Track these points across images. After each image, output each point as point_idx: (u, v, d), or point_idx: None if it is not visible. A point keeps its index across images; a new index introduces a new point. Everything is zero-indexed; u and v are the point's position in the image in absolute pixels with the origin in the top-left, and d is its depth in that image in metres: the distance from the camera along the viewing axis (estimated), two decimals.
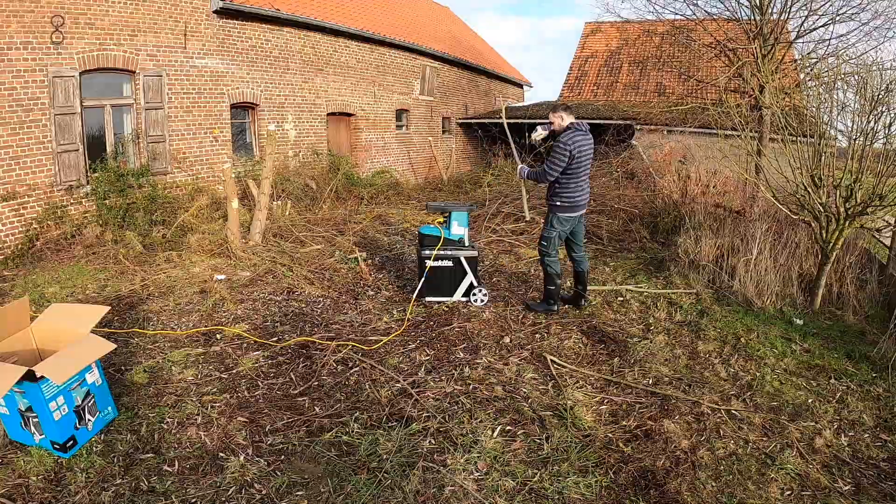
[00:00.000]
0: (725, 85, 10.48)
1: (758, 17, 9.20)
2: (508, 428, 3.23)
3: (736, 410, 3.44)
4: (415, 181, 15.02)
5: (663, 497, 2.68)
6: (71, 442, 2.91)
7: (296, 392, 3.66)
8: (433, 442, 3.08)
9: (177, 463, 2.88)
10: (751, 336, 4.54)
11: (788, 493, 2.73)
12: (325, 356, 4.15)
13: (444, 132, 17.30)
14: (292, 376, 3.87)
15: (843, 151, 4.98)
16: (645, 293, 5.58)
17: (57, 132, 7.20)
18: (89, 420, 3.05)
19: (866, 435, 3.23)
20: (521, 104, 21.41)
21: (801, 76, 9.34)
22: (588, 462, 2.93)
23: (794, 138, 5.19)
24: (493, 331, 4.66)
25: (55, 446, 2.88)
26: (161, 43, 8.47)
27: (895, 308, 4.67)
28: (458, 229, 5.16)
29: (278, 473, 2.81)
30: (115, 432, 3.13)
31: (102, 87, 7.89)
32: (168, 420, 3.27)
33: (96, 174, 7.63)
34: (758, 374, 3.93)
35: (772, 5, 9.18)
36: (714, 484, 2.77)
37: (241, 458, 2.92)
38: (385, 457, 2.93)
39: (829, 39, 9.41)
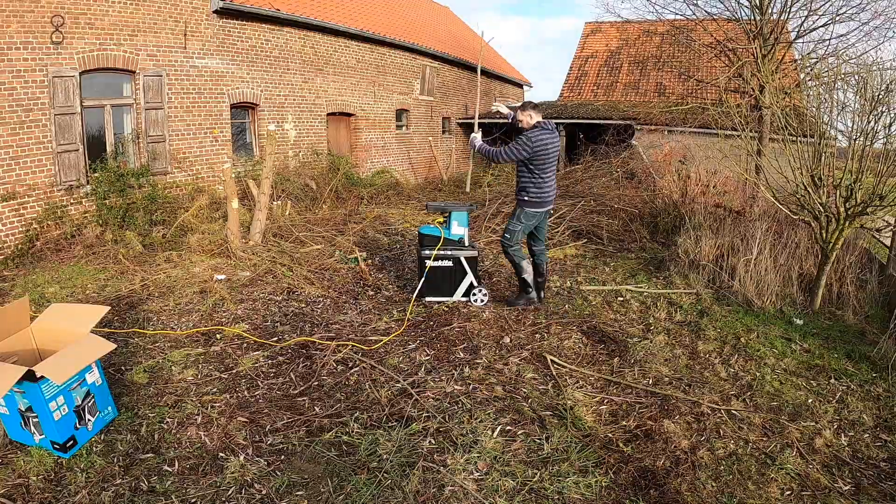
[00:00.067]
0: (725, 85, 10.49)
1: (758, 17, 9.21)
2: (508, 428, 3.23)
3: (736, 410, 3.44)
4: (415, 181, 15.02)
5: (663, 497, 2.67)
6: (71, 442, 2.91)
7: (296, 392, 3.66)
8: (433, 442, 3.08)
9: (177, 463, 2.88)
10: (751, 336, 4.54)
11: (788, 493, 2.73)
12: (325, 356, 4.15)
13: (444, 132, 17.30)
14: (292, 376, 3.87)
15: (843, 151, 4.98)
16: (645, 293, 5.58)
17: (57, 132, 7.20)
18: (89, 420, 3.05)
19: (866, 435, 3.23)
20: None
21: (801, 76, 9.34)
22: (588, 462, 2.93)
23: (794, 138, 5.19)
24: (493, 331, 4.65)
25: (55, 446, 2.88)
26: (161, 43, 8.47)
27: (895, 308, 4.67)
28: (458, 229, 5.16)
29: (278, 473, 2.81)
30: (115, 432, 3.12)
31: (102, 87, 7.89)
32: (168, 420, 3.27)
33: (96, 174, 7.63)
34: (758, 374, 3.93)
35: (772, 5, 9.20)
36: (714, 484, 2.77)
37: (241, 458, 2.92)
38: (385, 457, 2.93)
39: (829, 39, 9.44)
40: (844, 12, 8.99)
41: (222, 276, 5.90)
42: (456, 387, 3.71)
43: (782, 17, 9.39)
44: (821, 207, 4.92)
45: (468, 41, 20.80)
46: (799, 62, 10.18)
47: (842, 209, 4.76)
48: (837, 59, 8.59)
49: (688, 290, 5.56)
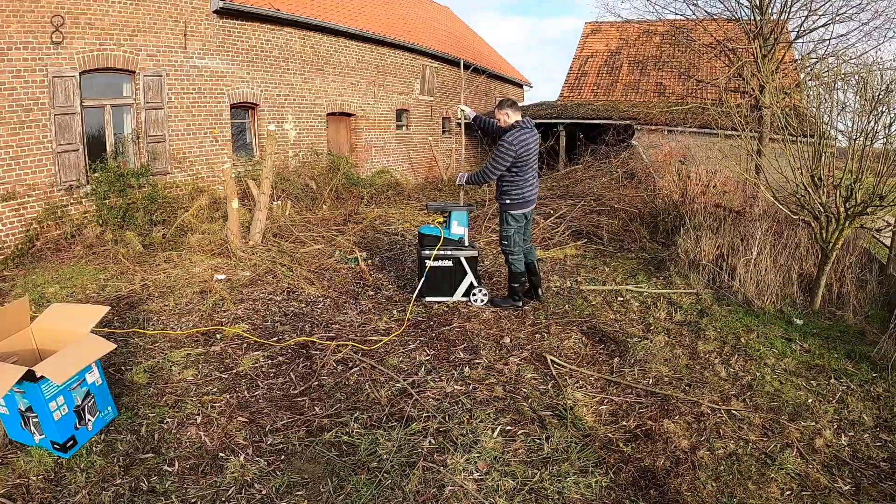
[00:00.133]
0: (725, 85, 10.49)
1: (758, 17, 9.21)
2: (508, 428, 3.23)
3: (736, 410, 3.44)
4: (415, 181, 15.02)
5: (663, 497, 2.67)
6: (71, 442, 2.91)
7: (296, 392, 3.66)
8: (433, 442, 3.08)
9: (177, 463, 2.88)
10: (751, 336, 4.54)
11: (788, 493, 2.73)
12: (325, 356, 4.15)
13: (444, 132, 17.30)
14: (292, 376, 3.87)
15: (843, 151, 4.98)
16: (645, 293, 5.58)
17: (57, 132, 7.20)
18: (89, 420, 3.05)
19: (866, 435, 3.23)
20: (521, 104, 21.41)
21: (801, 76, 9.34)
22: (588, 462, 2.93)
23: (794, 138, 5.19)
24: (493, 331, 4.65)
25: (55, 446, 2.88)
26: (161, 43, 8.47)
27: (895, 308, 4.67)
28: (458, 229, 5.16)
29: (278, 473, 2.81)
30: (115, 432, 3.13)
31: (102, 87, 7.88)
32: (168, 420, 3.27)
33: (96, 174, 7.63)
34: (758, 374, 3.93)
35: (772, 5, 9.20)
36: (714, 484, 2.77)
37: (241, 458, 2.92)
38: (385, 457, 2.93)
39: (829, 39, 9.43)
40: (844, 12, 8.99)
41: (222, 276, 5.90)
42: (456, 387, 3.71)
43: (782, 17, 9.39)
44: (821, 207, 4.92)
45: (468, 41, 20.81)
46: (799, 62, 10.18)
47: (842, 209, 4.76)
48: (837, 59, 8.59)
49: (688, 290, 5.56)
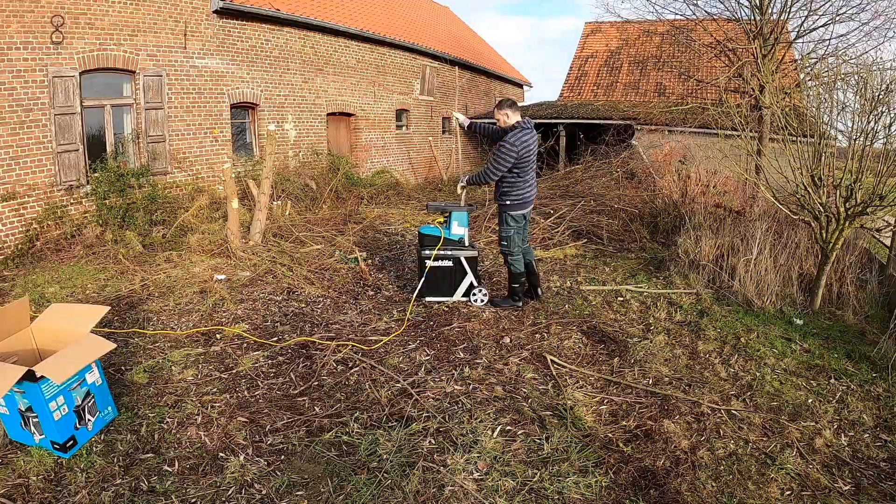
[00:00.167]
0: (725, 85, 10.49)
1: (758, 17, 9.21)
2: (508, 428, 3.23)
3: (736, 410, 3.44)
4: (415, 181, 15.02)
5: (663, 497, 2.67)
6: (71, 442, 2.91)
7: (296, 392, 3.66)
8: (433, 442, 3.08)
9: (177, 463, 2.88)
10: (751, 336, 4.54)
11: (788, 493, 2.73)
12: (325, 356, 4.15)
13: (444, 132, 17.30)
14: (292, 376, 3.87)
15: (843, 151, 4.98)
16: (645, 293, 5.58)
17: (57, 132, 7.20)
18: (89, 420, 3.05)
19: (866, 435, 3.23)
20: (520, 104, 21.41)
21: (801, 76, 9.34)
22: (588, 462, 2.93)
23: (794, 138, 5.19)
24: (493, 331, 4.65)
25: (55, 446, 2.88)
26: (161, 43, 8.47)
27: (895, 308, 4.67)
28: (458, 229, 5.16)
29: (278, 473, 2.81)
30: (115, 432, 3.13)
31: (102, 87, 7.89)
32: (168, 420, 3.27)
33: (96, 174, 7.63)
34: (758, 374, 3.93)
35: (772, 5, 9.20)
36: (714, 484, 2.77)
37: (241, 458, 2.92)
38: (385, 457, 2.93)
39: (829, 39, 9.43)
40: (844, 12, 8.99)
41: (222, 276, 5.90)
42: (456, 387, 3.71)
43: (782, 17, 9.38)
44: (821, 207, 4.92)
45: (468, 41, 20.81)
46: (799, 62, 10.18)
47: (842, 209, 4.76)
48: (837, 59, 8.59)
49: (688, 290, 5.56)
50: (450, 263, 5.15)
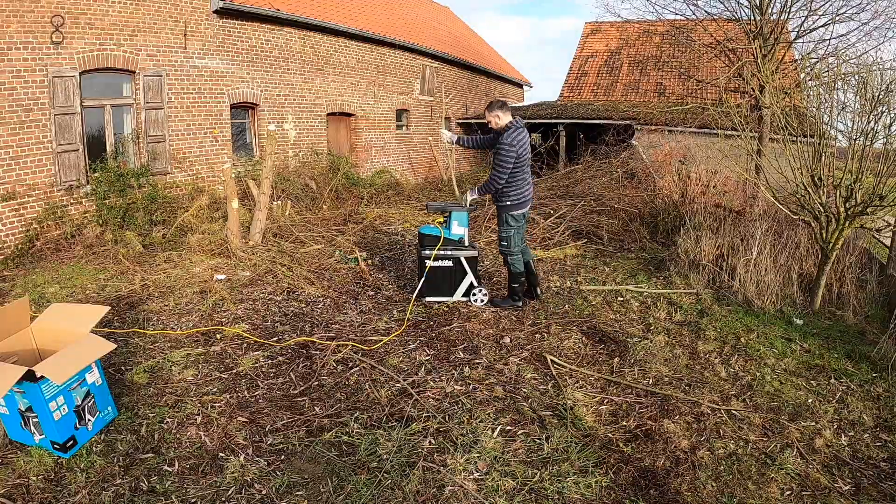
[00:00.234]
0: (725, 85, 10.49)
1: (758, 17, 9.21)
2: (508, 428, 3.23)
3: (736, 410, 3.44)
4: (415, 181, 15.02)
5: (663, 497, 2.67)
6: (71, 442, 2.91)
7: (296, 392, 3.66)
8: (433, 442, 3.08)
9: (177, 463, 2.88)
10: (751, 336, 4.54)
11: (788, 493, 2.73)
12: (325, 356, 4.15)
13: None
14: (292, 376, 3.87)
15: (843, 151, 4.98)
16: (645, 293, 5.58)
17: (57, 132, 7.20)
18: (89, 420, 3.05)
19: (866, 435, 3.23)
20: (521, 104, 21.41)
21: (801, 76, 9.34)
22: (588, 462, 2.93)
23: (794, 138, 5.19)
24: (492, 331, 4.65)
25: (55, 446, 2.88)
26: (161, 43, 8.47)
27: (895, 308, 4.67)
28: (458, 229, 5.16)
29: (278, 473, 2.81)
30: (115, 432, 3.13)
31: (102, 87, 7.88)
32: (168, 420, 3.27)
33: (96, 174, 7.63)
34: (758, 374, 3.93)
35: (772, 5, 9.19)
36: (714, 484, 2.77)
37: (241, 458, 2.92)
38: (385, 457, 2.93)
39: (829, 39, 9.43)
40: (844, 12, 8.99)
41: (222, 276, 5.90)
42: (456, 387, 3.71)
43: (782, 17, 9.38)
44: (821, 207, 4.92)
45: (468, 41, 20.81)
46: (799, 62, 10.18)
47: (842, 209, 4.76)
48: (837, 59, 8.58)
49: (688, 290, 5.56)
50: (450, 263, 5.15)
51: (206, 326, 4.70)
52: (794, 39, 9.71)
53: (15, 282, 5.86)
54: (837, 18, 9.05)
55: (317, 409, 3.46)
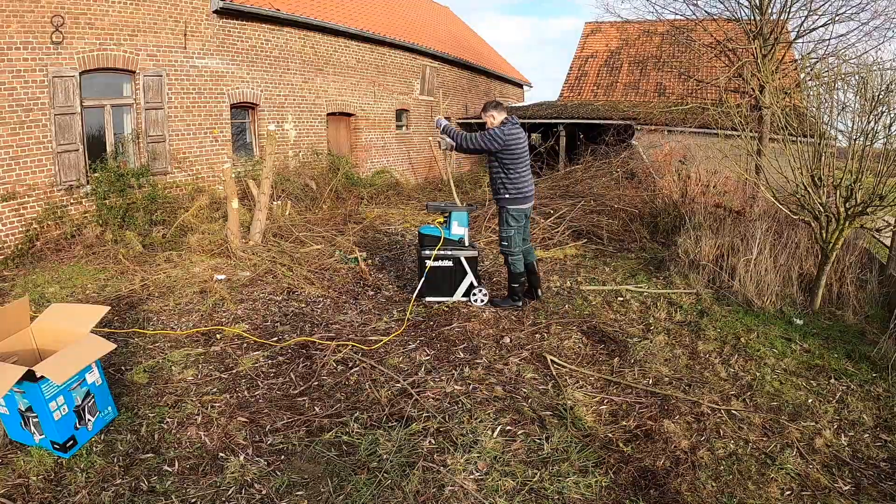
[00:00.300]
0: (725, 85, 10.49)
1: (758, 17, 9.21)
2: (508, 428, 3.23)
3: (736, 410, 3.44)
4: (415, 181, 15.02)
5: (663, 497, 2.67)
6: (71, 442, 2.91)
7: (296, 392, 3.66)
8: (433, 442, 3.08)
9: (177, 463, 2.88)
10: (751, 336, 4.54)
11: (788, 493, 2.73)
12: (325, 356, 4.15)
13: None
14: (292, 376, 3.87)
15: (843, 151, 4.98)
16: (645, 293, 5.58)
17: (57, 132, 7.20)
18: (89, 420, 3.05)
19: (866, 435, 3.23)
20: (521, 104, 21.41)
21: (801, 76, 9.34)
22: (588, 462, 2.93)
23: (795, 138, 5.19)
24: (492, 331, 4.65)
25: (55, 446, 2.88)
26: (161, 43, 8.47)
27: (895, 308, 4.67)
28: (458, 229, 5.16)
29: (278, 473, 2.81)
30: (115, 432, 3.13)
31: (102, 87, 7.89)
32: (168, 420, 3.27)
33: (96, 174, 7.63)
34: (758, 374, 3.93)
35: (772, 5, 9.19)
36: (714, 484, 2.77)
37: (241, 458, 2.92)
38: (385, 457, 2.93)
39: (829, 39, 9.43)
40: (844, 12, 8.99)
41: (222, 276, 5.90)
42: (456, 387, 3.71)
43: (782, 17, 9.38)
44: (821, 207, 4.92)
45: (468, 41, 20.80)
46: (799, 62, 10.18)
47: (842, 209, 4.76)
48: (837, 59, 8.59)
49: (688, 290, 5.56)
50: (450, 263, 5.15)
51: (206, 326, 4.70)
52: (794, 39, 9.71)
53: (15, 282, 5.86)
54: (837, 18, 9.05)
55: (317, 409, 3.46)
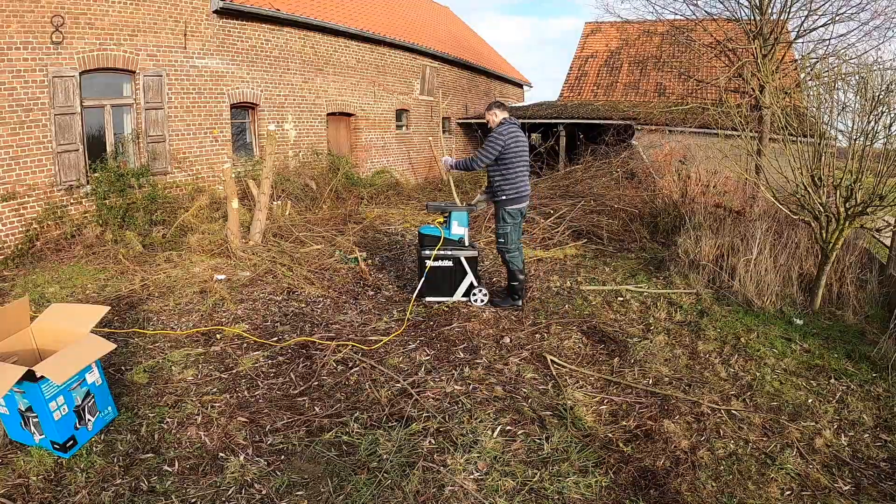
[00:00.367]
0: (725, 85, 10.49)
1: (758, 17, 9.21)
2: (508, 428, 3.23)
3: (736, 410, 3.44)
4: (415, 181, 15.02)
5: (663, 497, 2.67)
6: (71, 442, 2.91)
7: (296, 392, 3.66)
8: (433, 442, 3.08)
9: (177, 463, 2.88)
10: (751, 336, 4.54)
11: (788, 493, 2.73)
12: (325, 356, 4.15)
13: (444, 132, 17.30)
14: (292, 376, 3.87)
15: (843, 151, 4.98)
16: (645, 293, 5.58)
17: (57, 132, 7.20)
18: (89, 420, 3.05)
19: (866, 435, 3.23)
20: (521, 104, 21.41)
21: (801, 76, 9.34)
22: (588, 462, 2.93)
23: (794, 138, 5.19)
24: (492, 331, 4.65)
25: (55, 446, 2.88)
26: (161, 43, 8.47)
27: (895, 308, 4.67)
28: (458, 229, 5.16)
29: (278, 473, 2.81)
30: (115, 432, 3.12)
31: (102, 87, 7.89)
32: (168, 420, 3.27)
33: (96, 174, 7.63)
34: (758, 374, 3.93)
35: (772, 5, 9.19)
36: (714, 484, 2.77)
37: (241, 458, 2.92)
38: (385, 457, 2.93)
39: (829, 39, 9.43)
40: (844, 12, 9.00)
41: (222, 276, 5.90)
42: (456, 387, 3.71)
43: (782, 17, 9.38)
44: (821, 207, 4.92)
45: (468, 41, 20.80)
46: (799, 62, 10.17)
47: (842, 209, 4.76)
48: (837, 59, 8.59)
49: (688, 290, 5.56)
50: (450, 263, 5.15)
51: (206, 326, 4.70)
52: (794, 39, 9.71)
53: (15, 282, 5.86)
54: (837, 18, 9.06)
55: (317, 409, 3.46)
